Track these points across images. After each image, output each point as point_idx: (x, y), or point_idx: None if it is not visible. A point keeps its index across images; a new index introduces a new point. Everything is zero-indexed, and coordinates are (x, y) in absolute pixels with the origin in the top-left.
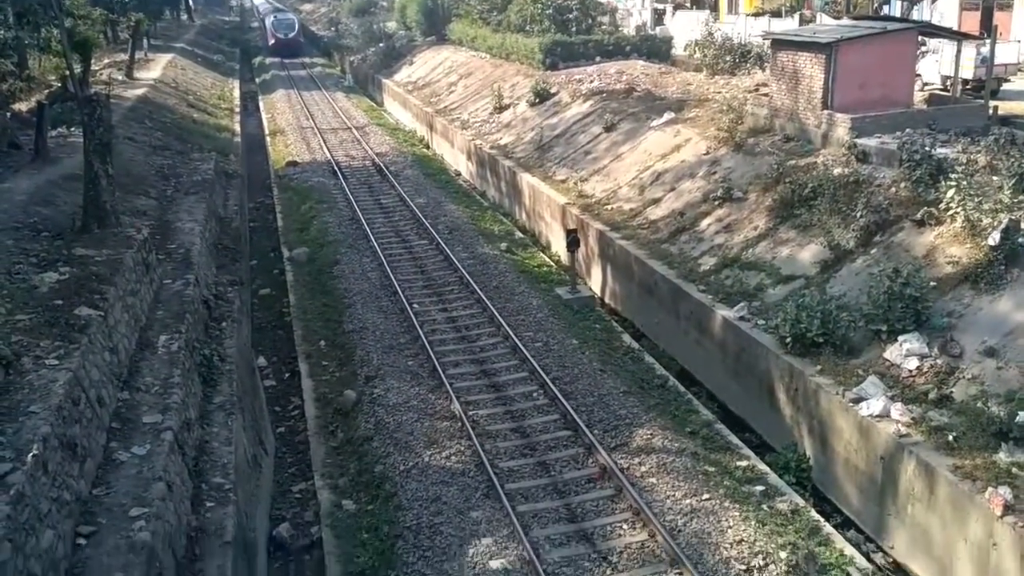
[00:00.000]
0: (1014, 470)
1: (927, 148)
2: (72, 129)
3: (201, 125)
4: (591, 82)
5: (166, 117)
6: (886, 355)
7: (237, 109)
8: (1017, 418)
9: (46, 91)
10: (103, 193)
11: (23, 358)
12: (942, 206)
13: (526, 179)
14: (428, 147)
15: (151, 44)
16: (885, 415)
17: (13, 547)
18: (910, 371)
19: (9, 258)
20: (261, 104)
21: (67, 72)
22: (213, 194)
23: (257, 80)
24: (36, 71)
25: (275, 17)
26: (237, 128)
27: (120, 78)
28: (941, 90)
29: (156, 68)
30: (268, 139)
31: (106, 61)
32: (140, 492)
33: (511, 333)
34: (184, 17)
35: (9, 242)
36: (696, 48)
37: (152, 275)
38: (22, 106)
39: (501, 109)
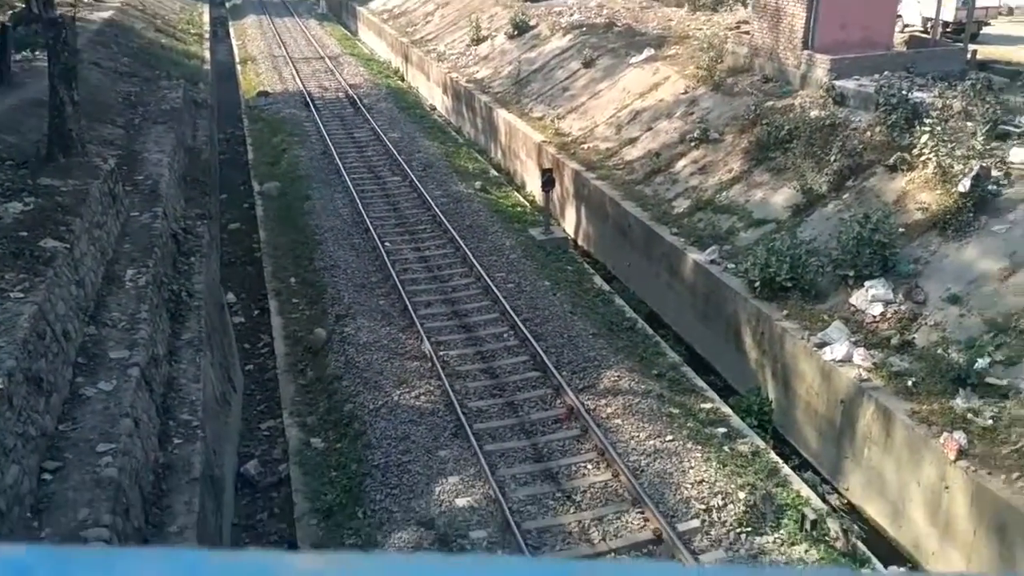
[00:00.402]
0: (969, 416)
1: (904, 92)
2: (37, 53)
3: (169, 51)
4: (571, 15)
5: (133, 42)
6: (852, 300)
7: (207, 35)
8: (975, 365)
9: (9, 12)
10: (68, 121)
11: None
12: (915, 151)
13: (502, 115)
14: (403, 79)
15: None
16: (848, 360)
17: None
18: (874, 317)
19: None
20: (231, 30)
21: None
22: (182, 124)
23: (227, 5)
24: None
25: None
26: (207, 55)
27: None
28: (922, 32)
29: None
30: (239, 67)
31: None
32: (107, 428)
33: (483, 274)
34: None
35: None
36: None
37: (119, 207)
38: None
39: (479, 41)
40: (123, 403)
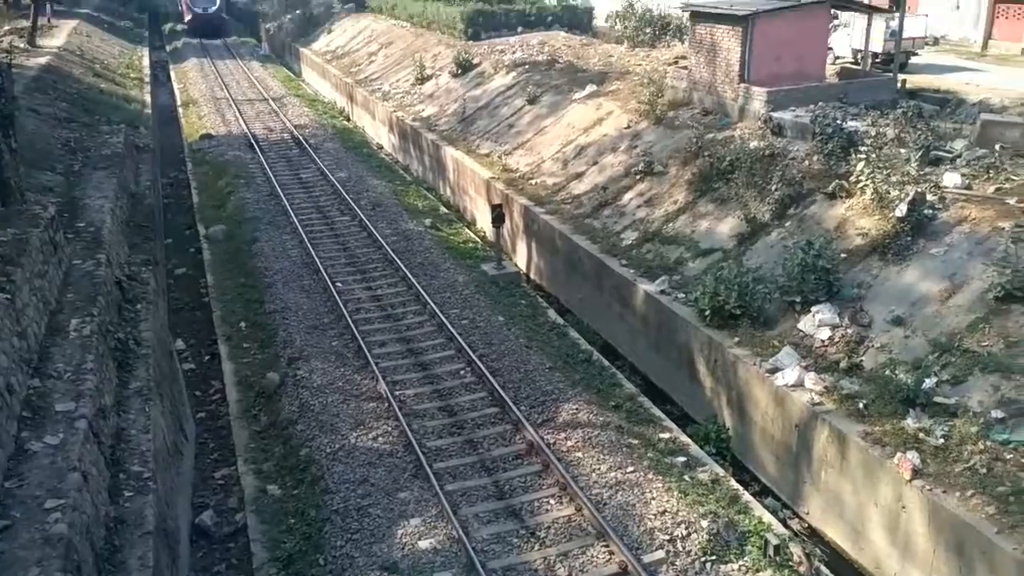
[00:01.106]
0: (921, 435)
1: (838, 121)
2: None
3: (109, 96)
4: (513, 53)
5: (72, 87)
6: (800, 326)
7: (147, 79)
8: (923, 385)
9: None
10: (6, 169)
11: None
12: (852, 179)
13: (450, 153)
14: (348, 119)
15: (54, 10)
16: (799, 384)
17: None
18: (823, 341)
19: None
20: (172, 73)
21: None
22: (124, 169)
23: (168, 48)
24: None
25: None
26: (147, 99)
27: (22, 46)
28: (852, 64)
29: (60, 35)
30: (181, 110)
31: (6, 28)
32: (55, 483)
33: (437, 311)
34: None
35: None
36: (617, 19)
37: (61, 255)
38: None
39: (423, 80)
40: (71, 457)
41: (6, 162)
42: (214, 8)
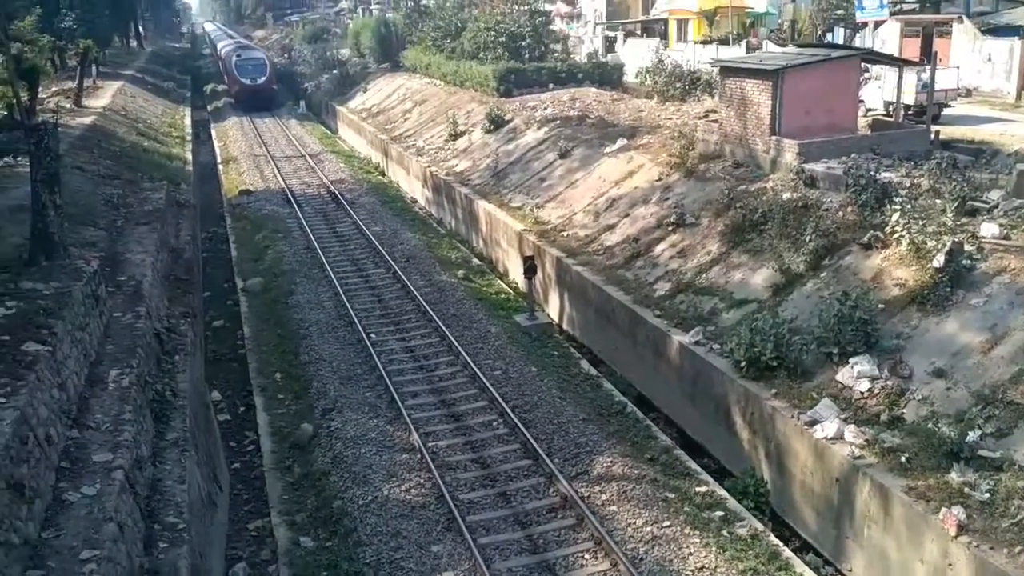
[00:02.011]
0: (966, 490)
1: (872, 173)
2: (19, 159)
3: (152, 154)
4: (545, 109)
5: (116, 146)
6: (838, 377)
7: (189, 137)
8: (967, 438)
9: None
10: (51, 224)
11: None
12: (888, 229)
13: (482, 206)
14: (384, 174)
15: (100, 71)
16: (839, 437)
17: None
18: (862, 393)
19: None
20: (213, 132)
21: (13, 100)
22: (164, 224)
23: (209, 108)
24: None
25: (238, 56)
26: (189, 156)
27: (68, 106)
28: (884, 116)
29: (105, 96)
30: (221, 167)
31: (54, 89)
32: (91, 534)
33: (470, 361)
34: (134, 43)
35: None
36: (647, 75)
37: (102, 308)
38: None
39: (456, 136)
40: (107, 507)
41: (51, 218)
42: (263, 79)
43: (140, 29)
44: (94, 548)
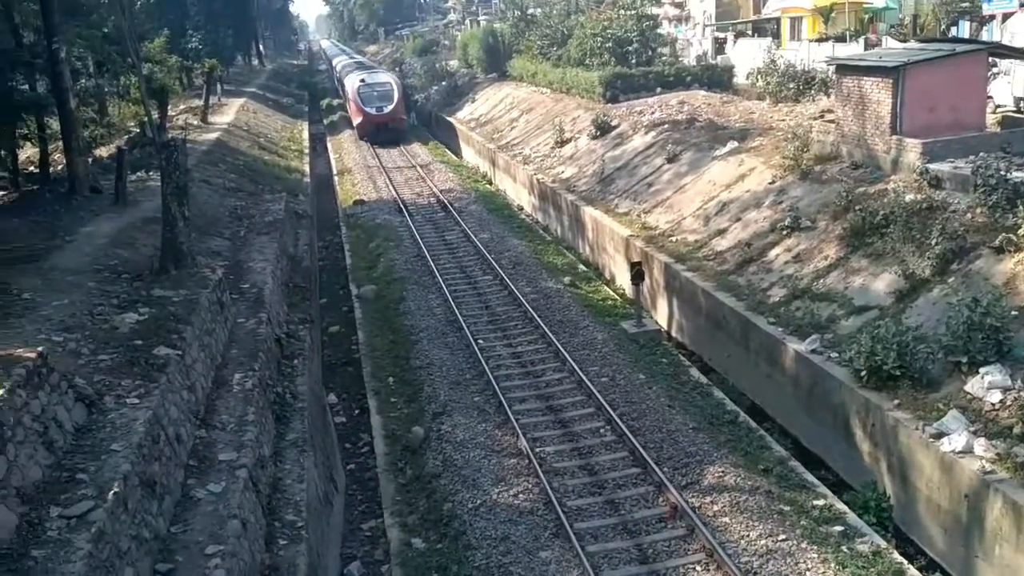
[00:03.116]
0: None
1: (1002, 172)
2: (150, 173)
3: (272, 167)
4: (652, 113)
5: (239, 160)
6: (967, 388)
7: (306, 150)
8: None
9: (125, 137)
10: (180, 235)
11: (105, 397)
12: (1021, 232)
13: (588, 212)
14: (491, 183)
15: (224, 89)
16: (968, 451)
17: None
18: (993, 404)
19: (91, 300)
20: (329, 145)
21: (145, 118)
22: (284, 234)
23: (325, 122)
24: (115, 118)
25: (362, 81)
26: (306, 168)
27: (195, 123)
28: (1015, 112)
29: (229, 112)
30: (336, 178)
31: (182, 107)
32: (216, 529)
33: (576, 368)
34: (255, 62)
35: (91, 284)
36: (758, 76)
37: (227, 314)
38: (103, 152)
39: (562, 143)
40: (231, 505)
41: (180, 229)
42: (390, 107)
43: (261, 48)
44: (219, 543)
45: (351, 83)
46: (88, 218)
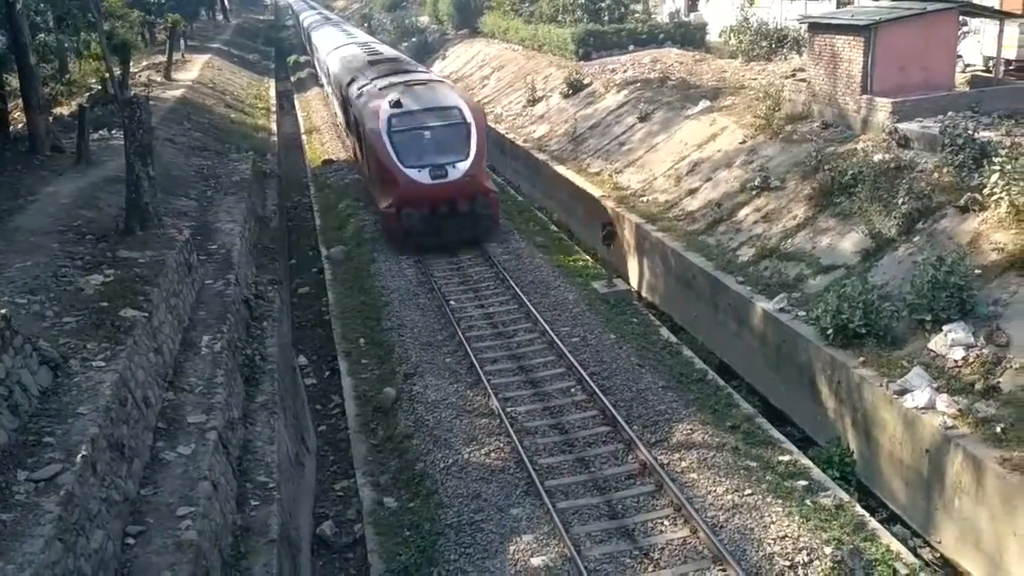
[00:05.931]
0: None
1: (970, 132)
2: (113, 132)
3: (239, 125)
4: (624, 71)
5: (204, 118)
6: (931, 345)
7: (273, 108)
8: None
9: (86, 94)
10: (145, 195)
11: (71, 360)
12: (986, 191)
13: (560, 172)
14: None
15: (188, 45)
16: (931, 407)
17: (64, 547)
18: (956, 361)
19: (55, 261)
20: (296, 103)
21: (106, 75)
22: (252, 194)
23: (292, 79)
24: (76, 75)
25: (393, 104)
26: (274, 127)
27: (159, 80)
28: (983, 71)
29: (193, 69)
30: (304, 137)
31: (144, 63)
32: (186, 491)
33: (547, 328)
34: (219, 17)
35: (55, 245)
36: (731, 34)
37: (194, 276)
38: (63, 110)
39: (534, 101)
40: (201, 466)
41: (145, 189)
42: (464, 164)
43: (225, 2)
44: (190, 505)
45: (364, 96)
46: (50, 178)
